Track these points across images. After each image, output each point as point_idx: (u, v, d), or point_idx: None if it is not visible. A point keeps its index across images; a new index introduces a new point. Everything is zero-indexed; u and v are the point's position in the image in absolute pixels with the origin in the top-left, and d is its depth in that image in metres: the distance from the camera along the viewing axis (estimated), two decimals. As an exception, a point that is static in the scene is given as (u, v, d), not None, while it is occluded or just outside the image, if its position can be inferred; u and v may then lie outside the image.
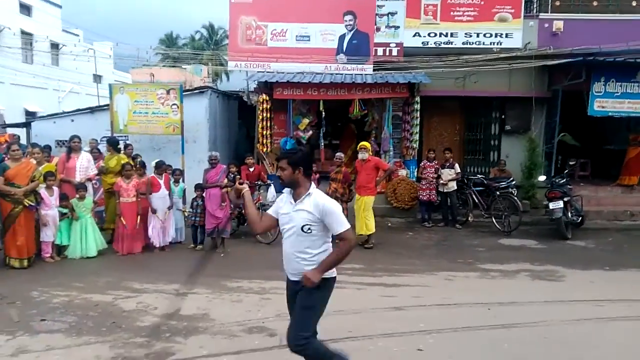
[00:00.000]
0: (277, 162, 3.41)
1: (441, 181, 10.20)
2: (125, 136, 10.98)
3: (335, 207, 3.28)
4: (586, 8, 11.92)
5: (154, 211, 8.08)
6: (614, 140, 13.06)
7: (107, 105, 11.34)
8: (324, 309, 3.43)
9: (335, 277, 3.43)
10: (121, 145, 9.58)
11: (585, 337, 4.84)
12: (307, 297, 3.35)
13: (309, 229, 3.27)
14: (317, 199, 3.28)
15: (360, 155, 8.65)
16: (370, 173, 8.52)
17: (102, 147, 10.67)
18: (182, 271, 7.03)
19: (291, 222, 3.33)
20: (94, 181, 8.56)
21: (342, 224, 3.24)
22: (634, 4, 11.92)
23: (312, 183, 3.41)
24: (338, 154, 9.31)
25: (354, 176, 8.97)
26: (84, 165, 8.36)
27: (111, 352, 4.41)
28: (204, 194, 8.38)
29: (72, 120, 12.05)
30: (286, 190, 3.44)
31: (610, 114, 10.55)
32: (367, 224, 8.47)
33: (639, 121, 11.54)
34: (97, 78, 24.66)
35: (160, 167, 8.39)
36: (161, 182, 8.24)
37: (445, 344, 4.63)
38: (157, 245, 8.14)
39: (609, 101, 10.47)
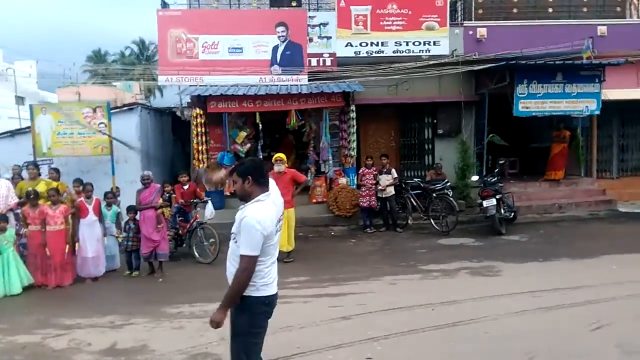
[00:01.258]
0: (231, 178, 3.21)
1: (379, 187, 10.34)
2: (49, 159, 10.33)
3: (253, 227, 2.93)
4: (507, 15, 12.59)
5: (77, 240, 7.61)
6: (539, 138, 13.84)
7: (29, 127, 10.63)
8: (258, 333, 3.14)
9: (262, 295, 3.06)
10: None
11: (524, 327, 5.02)
12: (233, 324, 3.15)
13: (234, 238, 3.08)
14: (245, 211, 3.03)
15: (276, 168, 8.32)
16: (287, 186, 8.15)
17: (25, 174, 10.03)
18: (118, 301, 6.70)
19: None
20: (15, 210, 7.94)
21: (246, 247, 2.94)
22: (550, 10, 12.74)
23: (264, 194, 3.11)
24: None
25: None
26: (3, 194, 7.74)
27: (40, 396, 4.08)
28: (137, 217, 8.00)
29: (-9, 146, 11.21)
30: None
31: (534, 113, 11.15)
32: (290, 240, 8.33)
33: (561, 119, 12.28)
34: (20, 100, 23.23)
35: (86, 189, 7.91)
36: (89, 207, 7.74)
37: (392, 350, 4.65)
38: (86, 277, 7.65)
39: (532, 102, 11.05)
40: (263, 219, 2.96)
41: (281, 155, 8.58)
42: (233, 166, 3.33)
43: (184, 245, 8.90)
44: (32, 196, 7.48)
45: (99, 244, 7.76)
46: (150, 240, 7.79)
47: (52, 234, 7.38)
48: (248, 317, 3.06)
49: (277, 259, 3.25)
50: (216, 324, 3.02)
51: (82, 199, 7.80)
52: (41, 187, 8.01)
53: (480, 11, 12.65)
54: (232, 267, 3.10)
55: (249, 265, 2.96)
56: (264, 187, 3.13)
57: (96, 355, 4.84)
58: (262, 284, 3.06)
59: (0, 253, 7.07)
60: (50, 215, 7.39)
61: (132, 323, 5.68)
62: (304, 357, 4.51)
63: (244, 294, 3.02)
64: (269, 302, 3.11)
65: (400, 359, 4.47)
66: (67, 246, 7.48)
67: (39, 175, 8.59)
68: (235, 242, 3.06)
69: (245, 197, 3.13)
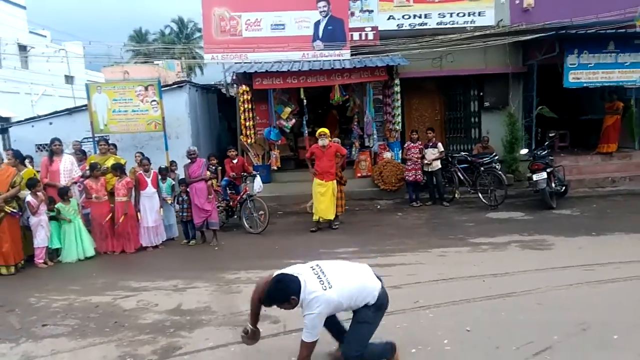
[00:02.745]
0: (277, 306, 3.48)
1: (425, 161, 10.32)
2: (106, 135, 10.82)
3: (311, 315, 3.31)
4: (556, -17, 12.11)
5: (138, 210, 8.03)
6: (590, 110, 13.39)
7: (85, 105, 11.15)
8: (378, 324, 3.65)
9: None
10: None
11: (578, 300, 5.01)
12: (364, 314, 3.54)
13: None
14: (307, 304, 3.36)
15: (320, 142, 8.63)
16: (331, 159, 8.63)
17: (85, 148, 10.57)
18: (178, 267, 7.07)
19: None
20: (78, 183, 8.43)
21: (307, 333, 3.34)
22: (601, -24, 12.15)
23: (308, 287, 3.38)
24: (336, 139, 9.64)
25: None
26: (67, 168, 8.22)
27: (118, 351, 4.41)
28: (187, 189, 8.35)
29: (51, 123, 11.83)
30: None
31: (585, 84, 10.81)
32: (333, 209, 8.65)
33: (613, 90, 11.82)
34: (70, 79, 24.12)
35: (142, 163, 8.30)
36: (148, 179, 8.14)
37: (444, 317, 4.75)
38: (147, 245, 8.08)
39: (583, 72, 10.70)
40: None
41: (325, 130, 8.76)
42: (267, 302, 3.53)
43: (235, 216, 9.24)
44: (95, 169, 7.93)
45: (158, 214, 8.17)
46: (203, 210, 8.15)
47: (117, 204, 7.86)
48: (379, 313, 3.73)
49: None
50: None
51: (141, 171, 8.19)
52: (110, 162, 8.48)
53: (527, -21, 12.20)
54: None
55: (309, 350, 3.41)
56: (297, 295, 3.36)
57: (164, 315, 5.18)
58: None
59: (71, 221, 7.58)
60: (116, 187, 7.85)
61: (194, 287, 6.02)
62: (358, 322, 4.68)
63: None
64: None
65: (453, 326, 4.54)
66: (123, 216, 7.84)
67: (109, 150, 9.05)
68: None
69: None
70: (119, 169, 7.99)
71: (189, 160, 8.39)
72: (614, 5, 11.08)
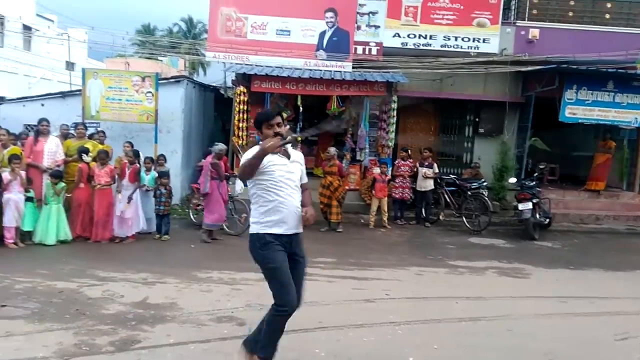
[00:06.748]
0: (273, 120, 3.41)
1: (423, 176, 10.32)
2: (97, 122, 10.74)
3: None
4: (562, 18, 12.22)
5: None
6: (582, 146, 13.46)
7: (80, 90, 11.06)
8: None
9: None
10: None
11: (548, 330, 4.96)
12: (304, 260, 3.65)
13: (301, 178, 3.52)
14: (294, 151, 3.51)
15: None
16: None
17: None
18: (151, 261, 6.97)
19: (293, 174, 3.42)
20: (62, 167, 8.32)
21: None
22: (607, 16, 12.31)
23: None
24: (331, 148, 9.78)
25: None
26: (52, 150, 8.14)
27: (74, 339, 4.29)
28: (170, 183, 8.35)
29: (43, 105, 11.71)
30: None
31: (580, 120, 10.85)
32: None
33: (607, 129, 11.89)
34: (70, 65, 24.02)
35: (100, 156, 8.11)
36: (127, 171, 8.03)
37: (413, 335, 4.68)
38: (114, 236, 7.90)
39: (579, 108, 10.75)
40: None
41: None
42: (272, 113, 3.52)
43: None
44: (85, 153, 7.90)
45: (130, 206, 7.97)
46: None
47: (98, 192, 7.77)
48: None
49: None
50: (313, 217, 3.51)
51: (126, 161, 8.10)
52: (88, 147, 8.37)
53: (535, 11, 12.31)
54: (298, 213, 3.49)
55: None
56: None
57: (128, 307, 5.07)
58: None
59: (47, 204, 7.47)
60: (97, 173, 7.74)
61: (163, 282, 5.92)
62: (325, 332, 4.59)
63: None
64: None
65: (420, 344, 4.48)
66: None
67: (85, 136, 8.98)
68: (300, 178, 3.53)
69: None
70: (105, 157, 7.89)
71: (217, 158, 8.41)
72: (616, 45, 11.20)
